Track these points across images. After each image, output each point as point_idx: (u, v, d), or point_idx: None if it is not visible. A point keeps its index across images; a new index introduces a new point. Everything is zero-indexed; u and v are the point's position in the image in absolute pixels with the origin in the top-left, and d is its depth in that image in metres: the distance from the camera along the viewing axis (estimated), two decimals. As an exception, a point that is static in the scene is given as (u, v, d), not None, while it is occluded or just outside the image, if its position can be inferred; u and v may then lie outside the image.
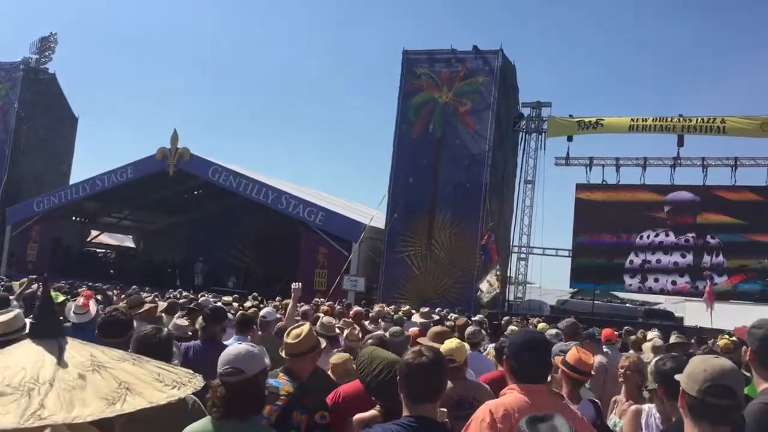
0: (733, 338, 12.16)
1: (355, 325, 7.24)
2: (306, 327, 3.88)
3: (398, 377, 2.71)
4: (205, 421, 2.69)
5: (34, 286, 9.96)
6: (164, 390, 1.27)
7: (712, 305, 18.87)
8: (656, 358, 3.82)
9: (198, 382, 1.38)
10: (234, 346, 2.84)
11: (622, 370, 4.81)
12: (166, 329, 3.51)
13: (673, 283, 24.01)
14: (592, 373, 4.52)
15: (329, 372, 4.61)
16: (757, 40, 70.27)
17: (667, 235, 24.15)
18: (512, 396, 2.92)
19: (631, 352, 7.72)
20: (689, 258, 23.85)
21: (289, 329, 3.94)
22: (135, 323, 5.86)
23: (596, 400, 4.48)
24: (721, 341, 10.68)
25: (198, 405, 3.23)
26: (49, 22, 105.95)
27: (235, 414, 2.63)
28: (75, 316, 6.39)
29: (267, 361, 2.95)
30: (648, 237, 24.33)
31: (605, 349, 7.02)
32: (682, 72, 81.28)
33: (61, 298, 7.14)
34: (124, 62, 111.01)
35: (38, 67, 35.75)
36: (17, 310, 4.50)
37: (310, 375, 3.78)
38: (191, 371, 1.42)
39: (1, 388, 1.14)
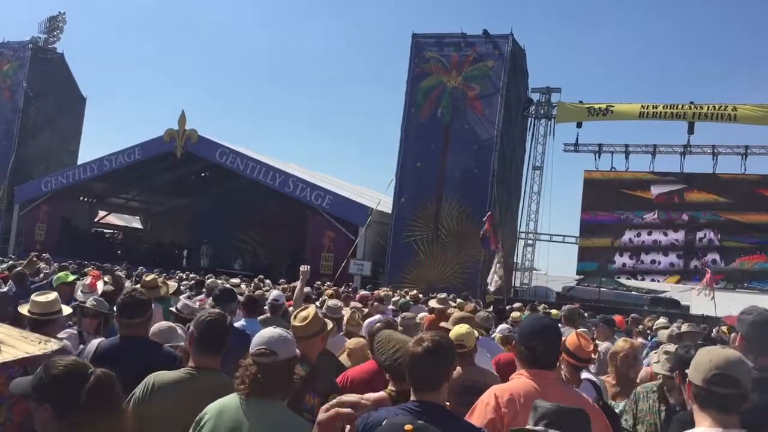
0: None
1: (359, 309, 7.22)
2: (312, 309, 3.87)
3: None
4: (232, 397, 2.72)
5: (42, 264, 10.02)
6: (35, 344, 1.34)
7: (711, 291, 18.82)
8: (678, 346, 3.80)
9: (54, 344, 1.45)
10: (269, 330, 2.84)
11: (622, 354, 4.78)
12: (228, 316, 3.52)
13: (671, 264, 24.16)
14: (593, 357, 4.50)
15: (347, 356, 4.60)
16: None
17: (660, 218, 24.25)
18: (519, 381, 2.92)
19: (640, 339, 7.71)
20: (682, 239, 24.06)
21: (295, 312, 3.93)
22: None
23: (596, 380, 4.47)
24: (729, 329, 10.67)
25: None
26: (58, 1, 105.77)
27: (262, 393, 2.66)
28: (83, 295, 6.45)
29: (297, 350, 2.96)
30: (644, 219, 24.45)
31: (615, 336, 7.02)
32: (693, 58, 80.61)
33: (71, 278, 7.17)
34: (133, 43, 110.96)
35: (47, 47, 35.70)
36: (55, 294, 4.55)
37: (319, 357, 3.77)
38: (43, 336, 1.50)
39: None
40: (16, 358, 1.27)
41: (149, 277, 7.74)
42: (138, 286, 6.96)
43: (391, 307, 9.38)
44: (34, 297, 4.38)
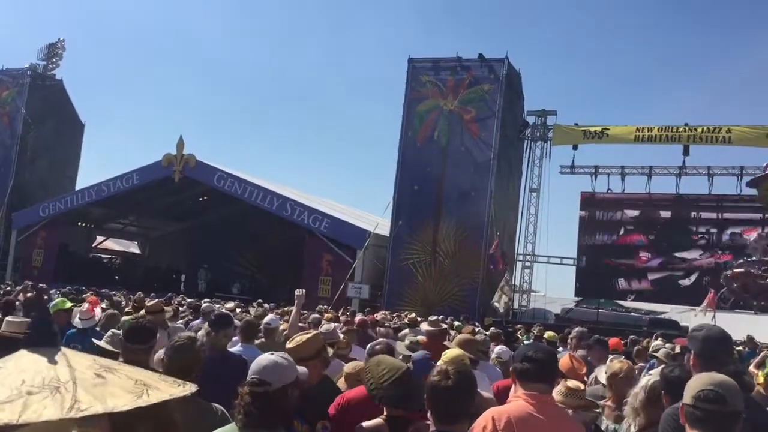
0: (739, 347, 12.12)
1: (345, 335, 7.21)
2: (311, 333, 3.89)
3: (425, 397, 2.74)
4: (231, 427, 2.72)
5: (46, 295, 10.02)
6: (175, 386, 1.38)
7: (713, 312, 18.69)
8: (662, 366, 3.79)
9: (189, 387, 1.48)
10: (264, 357, 2.82)
11: (622, 375, 4.73)
12: (199, 340, 3.51)
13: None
14: (585, 380, 4.49)
15: (343, 380, 4.56)
16: (762, 45, 70.17)
17: (668, 243, 24.18)
18: (517, 404, 2.92)
19: (641, 363, 7.68)
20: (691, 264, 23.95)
21: (293, 336, 3.93)
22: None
23: None
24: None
25: (224, 414, 3.23)
26: (57, 28, 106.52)
27: (260, 424, 2.64)
28: (80, 321, 6.44)
29: (301, 370, 2.90)
30: (649, 246, 24.36)
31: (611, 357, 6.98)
32: (687, 79, 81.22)
33: (69, 304, 7.16)
34: (131, 69, 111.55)
35: (45, 74, 35.92)
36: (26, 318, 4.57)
37: (317, 383, 3.75)
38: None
39: (27, 388, 1.22)
40: (160, 400, 1.33)
41: (152, 302, 7.68)
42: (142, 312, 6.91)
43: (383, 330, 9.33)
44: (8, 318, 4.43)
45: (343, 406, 3.74)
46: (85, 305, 6.77)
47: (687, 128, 23.87)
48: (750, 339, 14.46)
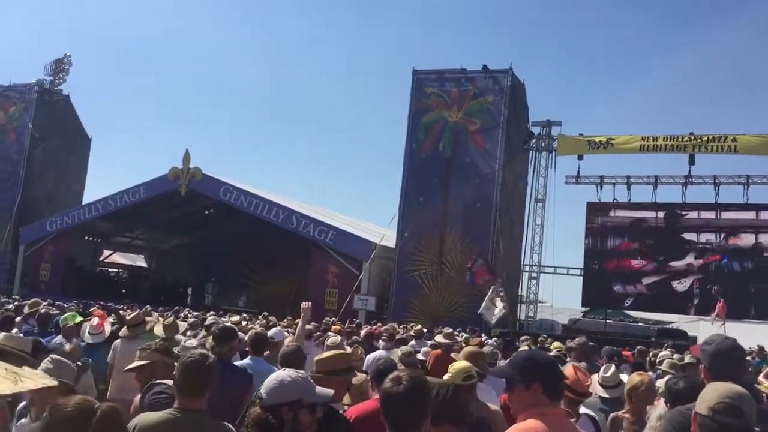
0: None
1: (359, 345, 7.21)
2: (344, 352, 3.88)
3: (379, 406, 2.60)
4: None
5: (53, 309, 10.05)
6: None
7: (723, 321, 18.54)
8: (667, 378, 3.77)
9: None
10: (277, 372, 2.79)
11: (643, 389, 4.66)
12: (212, 355, 3.47)
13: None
14: (590, 392, 4.46)
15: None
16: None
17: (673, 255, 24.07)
18: (535, 421, 2.88)
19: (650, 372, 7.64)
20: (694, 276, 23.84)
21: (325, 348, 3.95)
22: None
23: (594, 415, 4.42)
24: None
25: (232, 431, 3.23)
26: (63, 44, 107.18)
27: None
28: (90, 336, 6.45)
29: (323, 391, 2.79)
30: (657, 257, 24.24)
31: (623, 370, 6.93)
32: (692, 89, 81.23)
33: (79, 319, 7.19)
34: (137, 83, 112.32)
35: (52, 89, 36.19)
36: (30, 338, 4.60)
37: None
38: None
39: None
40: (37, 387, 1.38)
41: (131, 315, 7.69)
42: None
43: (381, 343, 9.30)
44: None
45: (350, 419, 3.72)
46: (96, 320, 6.80)
47: (692, 137, 23.83)
48: (760, 349, 14.39)
